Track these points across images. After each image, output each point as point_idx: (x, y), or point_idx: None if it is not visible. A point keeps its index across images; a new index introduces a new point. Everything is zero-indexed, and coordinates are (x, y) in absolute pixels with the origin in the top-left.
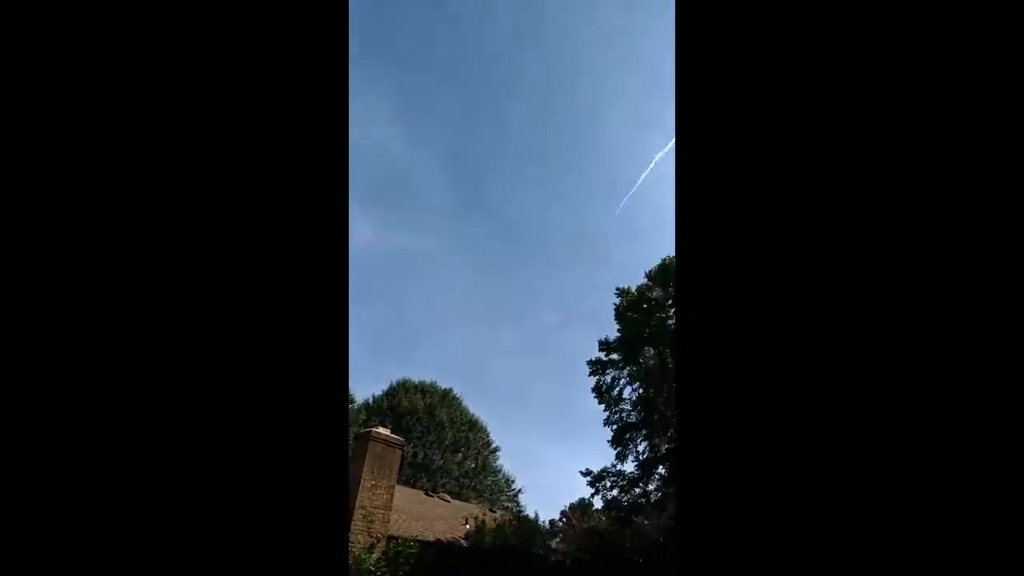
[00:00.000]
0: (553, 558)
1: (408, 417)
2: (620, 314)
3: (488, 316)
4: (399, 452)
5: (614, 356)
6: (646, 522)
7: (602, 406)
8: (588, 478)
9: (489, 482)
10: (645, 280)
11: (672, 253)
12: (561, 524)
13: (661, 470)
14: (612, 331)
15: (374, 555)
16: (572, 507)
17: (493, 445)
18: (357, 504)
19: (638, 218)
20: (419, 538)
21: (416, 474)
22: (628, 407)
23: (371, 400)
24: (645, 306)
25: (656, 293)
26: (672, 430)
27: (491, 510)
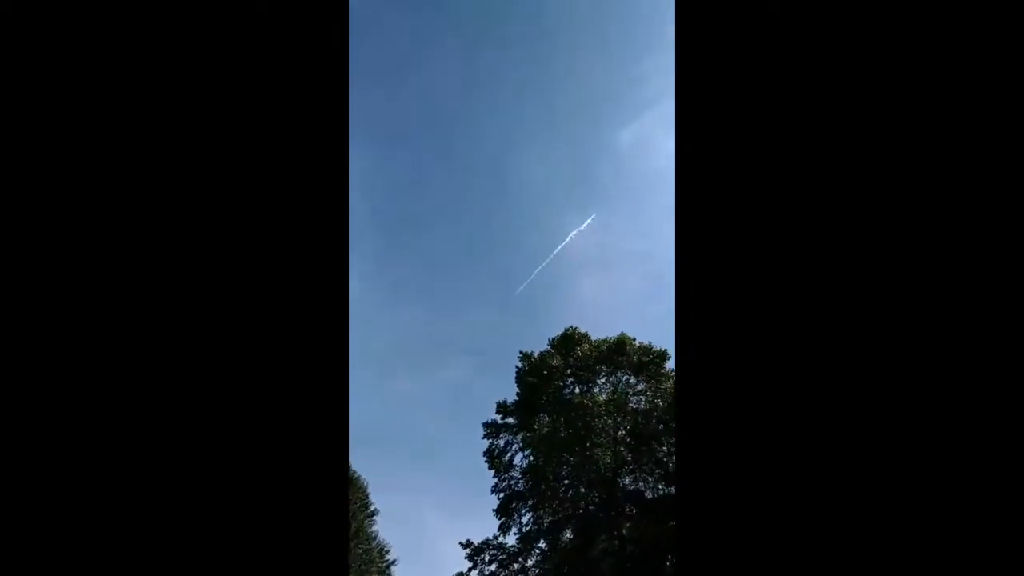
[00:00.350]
0: None
1: None
2: (520, 378)
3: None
4: None
5: (510, 420)
6: None
7: (492, 471)
8: (468, 550)
9: (360, 551)
10: (548, 347)
11: (576, 326)
12: None
13: (543, 544)
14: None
15: None
16: None
17: (372, 507)
18: None
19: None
20: None
21: None
22: (518, 475)
23: None
24: (545, 372)
25: (556, 361)
26: (557, 502)
27: None
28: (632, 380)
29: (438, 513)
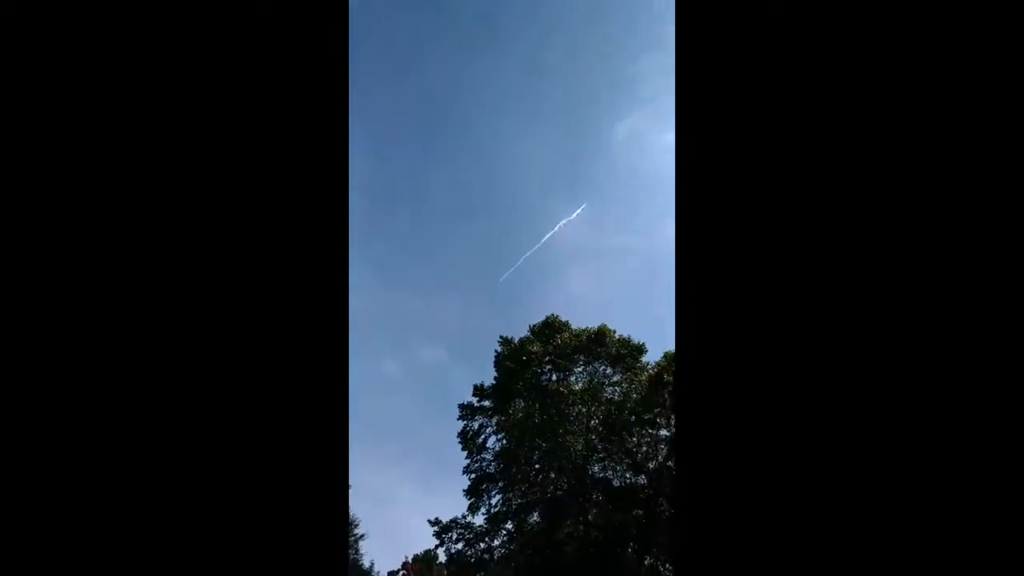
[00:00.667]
0: None
1: None
2: (499, 362)
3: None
4: None
5: (486, 403)
6: None
7: (464, 452)
8: (435, 528)
9: None
10: (528, 334)
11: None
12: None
13: (510, 525)
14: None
15: None
16: (415, 559)
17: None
18: None
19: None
20: None
21: None
22: (490, 457)
23: None
24: (524, 358)
25: (536, 348)
26: (527, 486)
27: None
28: (609, 371)
29: (412, 483)
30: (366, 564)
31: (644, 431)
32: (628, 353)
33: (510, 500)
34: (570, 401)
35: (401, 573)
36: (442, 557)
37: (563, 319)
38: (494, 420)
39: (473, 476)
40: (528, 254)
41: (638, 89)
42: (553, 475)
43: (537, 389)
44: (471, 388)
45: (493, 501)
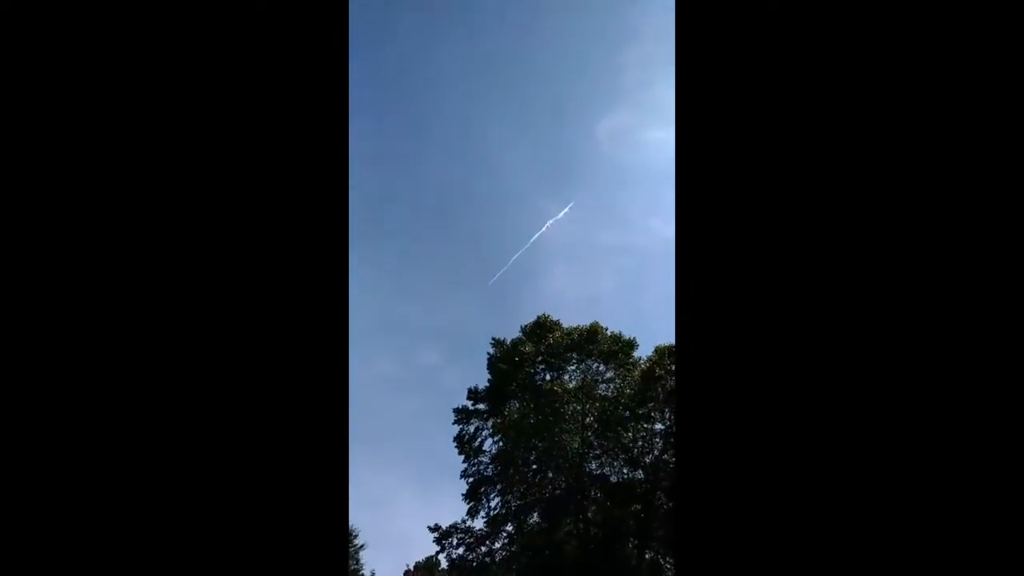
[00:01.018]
0: None
1: None
2: (492, 364)
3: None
4: None
5: (480, 406)
6: None
7: (462, 456)
8: (436, 534)
9: None
10: (520, 334)
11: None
12: None
13: (510, 528)
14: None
15: None
16: (417, 566)
17: None
18: None
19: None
20: None
21: None
22: (487, 460)
23: None
24: (516, 359)
25: (528, 348)
26: (525, 486)
27: None
28: (601, 368)
29: (411, 489)
30: (367, 575)
31: (639, 426)
32: (620, 349)
33: (509, 502)
34: (564, 400)
35: None
36: (444, 563)
37: (554, 318)
38: (490, 423)
39: (471, 480)
40: (516, 256)
41: (619, 81)
42: (551, 474)
43: (531, 389)
44: (465, 391)
45: (492, 504)
